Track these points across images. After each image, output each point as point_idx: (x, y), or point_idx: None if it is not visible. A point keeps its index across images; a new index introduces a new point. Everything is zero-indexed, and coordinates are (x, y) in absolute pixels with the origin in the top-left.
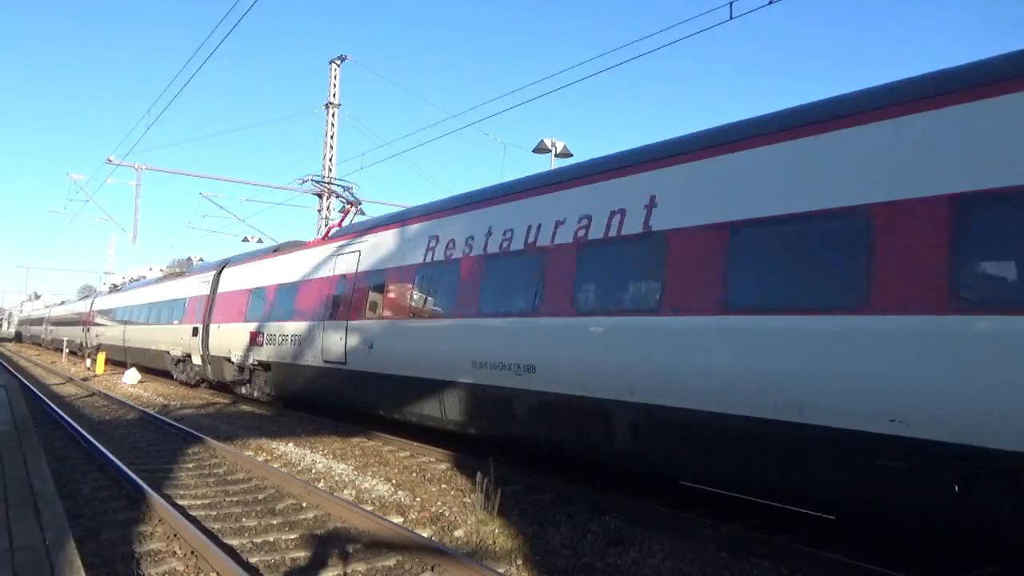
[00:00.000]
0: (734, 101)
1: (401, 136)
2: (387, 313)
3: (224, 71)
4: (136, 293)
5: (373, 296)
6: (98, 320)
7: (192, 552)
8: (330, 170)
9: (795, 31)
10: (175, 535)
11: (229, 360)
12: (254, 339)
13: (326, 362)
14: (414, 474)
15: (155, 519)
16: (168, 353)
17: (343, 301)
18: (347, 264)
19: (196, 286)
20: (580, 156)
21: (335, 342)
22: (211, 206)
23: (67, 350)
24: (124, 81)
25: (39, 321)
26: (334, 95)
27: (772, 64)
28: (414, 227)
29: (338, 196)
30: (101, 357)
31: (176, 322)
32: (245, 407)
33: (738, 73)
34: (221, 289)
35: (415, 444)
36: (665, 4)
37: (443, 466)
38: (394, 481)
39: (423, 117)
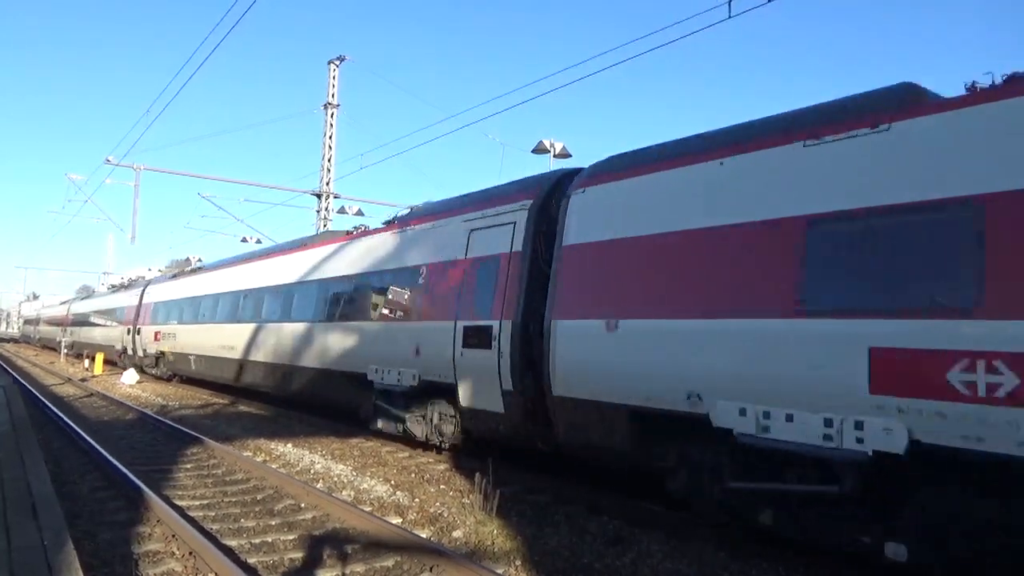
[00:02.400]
0: (733, 100)
1: (400, 136)
2: None
3: (223, 71)
4: (244, 271)
5: None
6: (159, 318)
7: (191, 553)
8: (329, 170)
9: (794, 29)
10: (173, 536)
11: (706, 423)
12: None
13: None
14: (413, 475)
15: (153, 520)
16: (367, 378)
17: None
18: None
19: (452, 237)
20: (579, 156)
21: None
22: (210, 206)
23: (65, 351)
24: (123, 81)
25: (53, 321)
26: (333, 95)
27: (771, 62)
28: None
29: None
30: (100, 357)
31: (418, 318)
32: (244, 407)
33: (737, 72)
34: (624, 230)
35: (414, 445)
36: (664, 2)
37: (442, 467)
38: (393, 482)
39: (422, 117)
